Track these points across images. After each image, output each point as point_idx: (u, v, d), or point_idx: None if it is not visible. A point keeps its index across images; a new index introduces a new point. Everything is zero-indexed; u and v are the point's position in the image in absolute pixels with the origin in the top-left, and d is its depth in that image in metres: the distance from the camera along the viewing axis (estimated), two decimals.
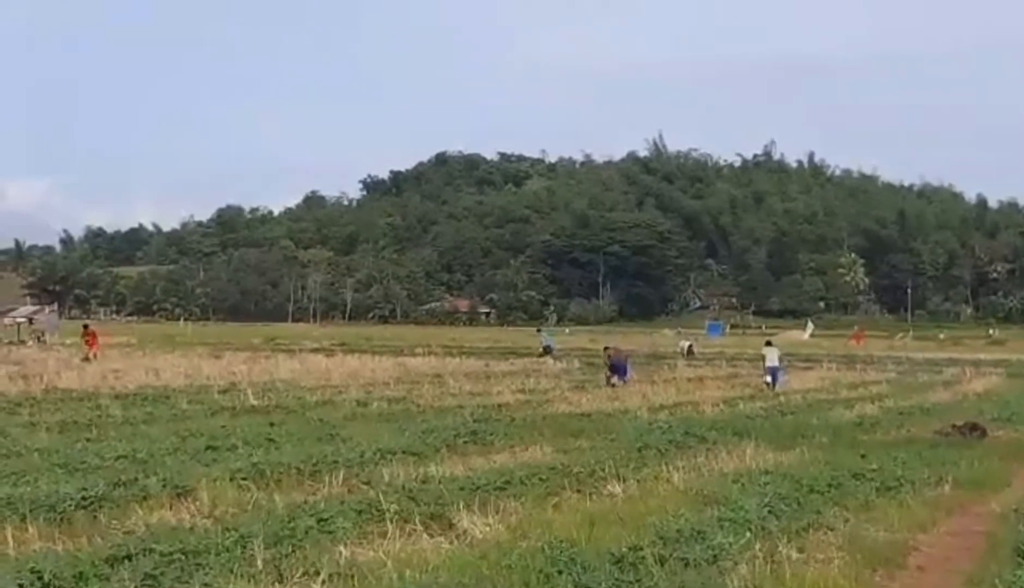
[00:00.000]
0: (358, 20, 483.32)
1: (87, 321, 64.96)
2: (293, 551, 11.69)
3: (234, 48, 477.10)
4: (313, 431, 22.84)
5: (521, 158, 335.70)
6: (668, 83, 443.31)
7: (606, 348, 45.90)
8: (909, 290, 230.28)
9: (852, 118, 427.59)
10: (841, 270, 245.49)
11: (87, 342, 53.62)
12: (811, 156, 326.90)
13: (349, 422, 25.13)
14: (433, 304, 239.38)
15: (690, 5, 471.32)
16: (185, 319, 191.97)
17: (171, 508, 13.55)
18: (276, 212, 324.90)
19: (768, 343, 45.20)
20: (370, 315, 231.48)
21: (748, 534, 12.56)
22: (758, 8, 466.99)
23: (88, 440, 20.65)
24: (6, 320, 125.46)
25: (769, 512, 14.08)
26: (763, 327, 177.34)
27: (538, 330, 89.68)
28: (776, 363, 41.71)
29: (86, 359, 48.84)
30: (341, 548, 11.73)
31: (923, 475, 18.02)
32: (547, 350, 66.57)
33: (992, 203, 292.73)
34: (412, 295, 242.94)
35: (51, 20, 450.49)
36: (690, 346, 73.72)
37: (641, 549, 11.59)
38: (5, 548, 11.63)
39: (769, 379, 40.59)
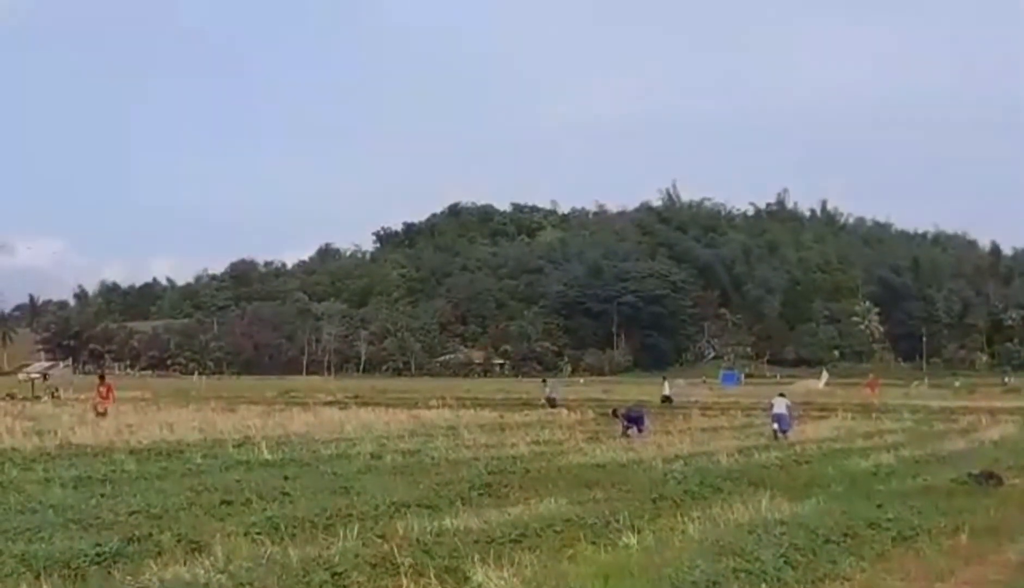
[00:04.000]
0: (370, 72, 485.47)
1: (103, 372, 65.23)
2: None
3: (246, 100, 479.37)
4: (327, 484, 22.81)
5: (534, 209, 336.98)
6: (681, 133, 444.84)
7: (614, 412, 45.70)
8: (924, 338, 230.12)
9: (865, 166, 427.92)
10: (855, 318, 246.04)
11: (100, 394, 53.22)
12: (824, 205, 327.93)
13: (363, 475, 25.07)
14: (447, 356, 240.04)
15: (702, 56, 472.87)
16: (199, 373, 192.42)
17: (185, 563, 13.52)
18: (290, 265, 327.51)
19: (780, 395, 44.72)
20: (384, 367, 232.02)
21: (763, 585, 12.54)
22: (771, 58, 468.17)
23: (102, 495, 20.61)
24: (21, 375, 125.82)
25: (785, 563, 14.03)
26: (778, 376, 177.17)
27: (543, 380, 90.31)
28: (783, 411, 41.29)
29: (102, 414, 48.62)
30: None
31: (939, 524, 17.95)
32: (551, 401, 67.18)
33: (1006, 250, 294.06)
34: (426, 347, 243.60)
35: (65, 78, 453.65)
36: (667, 396, 73.25)
37: None
38: None
39: (776, 425, 40.28)
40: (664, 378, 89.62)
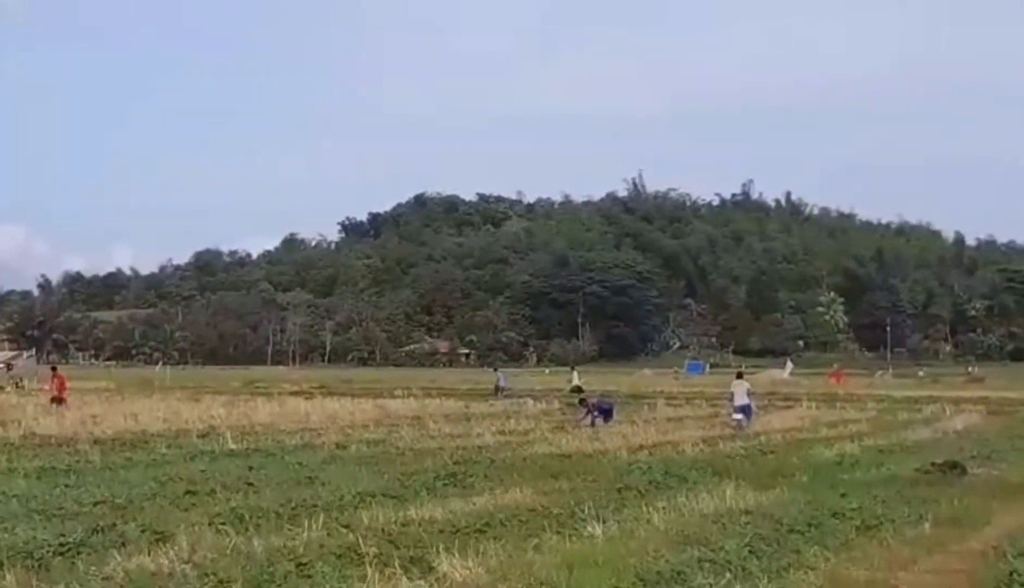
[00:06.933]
0: (335, 62, 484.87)
1: (54, 364, 65.39)
2: None
3: (211, 91, 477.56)
4: (292, 475, 22.74)
5: (500, 199, 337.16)
6: (646, 124, 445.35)
7: (582, 400, 45.61)
8: (888, 328, 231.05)
9: (829, 157, 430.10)
10: (820, 309, 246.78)
11: (56, 387, 52.72)
12: (788, 195, 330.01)
13: (328, 465, 25.01)
14: (413, 346, 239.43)
15: (667, 47, 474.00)
16: (164, 363, 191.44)
17: (150, 554, 13.43)
18: (254, 255, 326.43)
19: (739, 375, 43.97)
20: (349, 357, 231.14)
21: (728, 575, 12.54)
22: (734, 50, 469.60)
23: (66, 486, 20.50)
24: None
25: (749, 552, 14.06)
26: (743, 366, 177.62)
27: (494, 370, 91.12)
28: (746, 400, 40.79)
29: (60, 401, 48.05)
30: None
31: (903, 514, 18.00)
32: (499, 389, 68.80)
33: (970, 241, 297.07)
34: (391, 337, 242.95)
35: (27, 68, 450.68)
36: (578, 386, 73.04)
37: None
38: None
39: (739, 417, 39.74)
40: (572, 368, 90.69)
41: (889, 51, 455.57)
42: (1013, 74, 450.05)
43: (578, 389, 68.74)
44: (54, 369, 56.18)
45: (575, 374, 79.74)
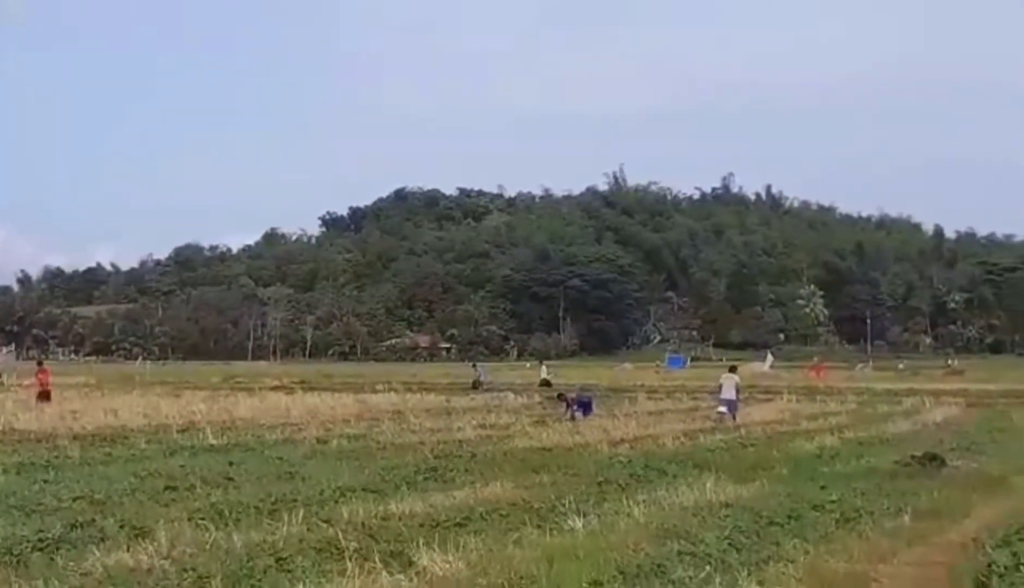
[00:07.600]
0: (316, 56, 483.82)
1: (40, 359, 65.23)
2: None
3: (190, 86, 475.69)
4: (272, 470, 22.73)
5: (480, 193, 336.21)
6: (626, 119, 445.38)
7: (560, 395, 45.64)
8: (868, 321, 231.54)
9: (810, 152, 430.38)
10: (800, 302, 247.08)
11: (40, 381, 52.50)
12: (769, 188, 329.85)
13: (308, 460, 25.00)
14: (393, 340, 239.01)
15: (647, 41, 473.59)
16: (144, 358, 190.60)
17: (129, 549, 13.41)
18: (235, 250, 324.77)
19: (731, 369, 43.81)
20: (330, 352, 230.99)
21: (708, 568, 12.54)
22: (714, 43, 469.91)
23: (45, 481, 20.46)
24: None
25: (729, 545, 14.08)
26: (723, 359, 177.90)
27: (473, 365, 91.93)
28: (733, 395, 40.74)
29: (44, 397, 47.92)
30: (300, 587, 11.67)
31: (883, 506, 18.03)
32: (477, 384, 71.02)
33: (950, 233, 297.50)
34: (372, 331, 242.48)
35: (20, 68, 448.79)
36: (546, 380, 73.62)
37: (601, 584, 11.59)
38: None
39: (723, 409, 39.85)
40: (541, 362, 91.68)
41: (870, 49, 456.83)
42: (993, 72, 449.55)
43: (546, 383, 69.14)
44: (40, 364, 56.17)
45: (543, 367, 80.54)
